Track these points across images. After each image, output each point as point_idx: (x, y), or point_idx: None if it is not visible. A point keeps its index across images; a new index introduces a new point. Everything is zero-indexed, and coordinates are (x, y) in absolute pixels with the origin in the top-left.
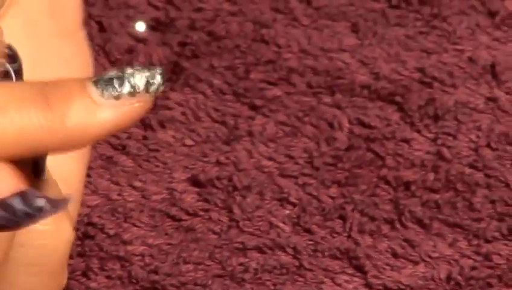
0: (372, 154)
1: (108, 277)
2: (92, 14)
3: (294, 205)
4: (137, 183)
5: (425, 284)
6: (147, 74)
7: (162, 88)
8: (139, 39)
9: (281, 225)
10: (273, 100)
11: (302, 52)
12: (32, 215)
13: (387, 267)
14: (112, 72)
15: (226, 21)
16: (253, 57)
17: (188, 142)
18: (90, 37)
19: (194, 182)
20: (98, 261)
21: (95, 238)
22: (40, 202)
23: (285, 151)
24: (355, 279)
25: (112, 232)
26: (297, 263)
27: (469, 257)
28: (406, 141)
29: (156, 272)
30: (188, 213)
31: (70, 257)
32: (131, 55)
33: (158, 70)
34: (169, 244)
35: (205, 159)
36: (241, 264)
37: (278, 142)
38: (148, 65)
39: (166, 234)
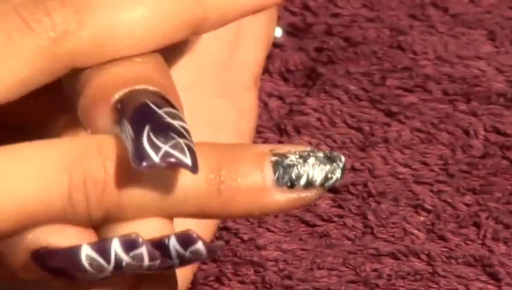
0: (508, 162)
1: (241, 282)
2: None
3: (428, 211)
4: None
5: None
6: (328, 167)
7: (339, 182)
8: (275, 44)
9: (415, 231)
10: (409, 107)
11: (439, 59)
12: (186, 258)
13: None
14: (293, 156)
15: (362, 27)
16: (389, 64)
17: (324, 148)
18: None
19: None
20: (231, 266)
21: (229, 243)
22: (198, 246)
23: (420, 158)
24: (489, 286)
25: (246, 237)
26: (431, 270)
27: None
28: None
29: (289, 277)
30: (322, 219)
31: (204, 262)
32: (267, 60)
33: (340, 163)
34: (303, 249)
35: None
36: (374, 270)
37: (413, 148)
38: (330, 153)
39: (301, 239)
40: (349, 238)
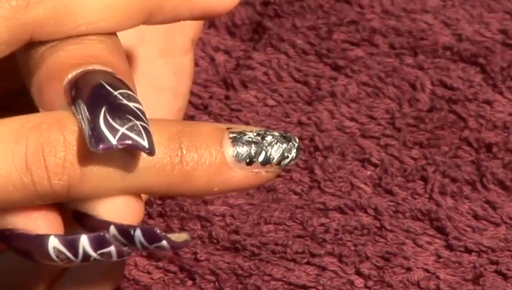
0: (454, 116)
1: None
2: None
3: (375, 165)
4: None
5: (507, 246)
6: (285, 146)
7: (293, 162)
8: None
9: (363, 185)
10: (355, 61)
11: (385, 13)
12: (150, 250)
13: (468, 229)
14: (251, 133)
15: None
16: (336, 17)
17: (270, 102)
18: None
19: None
20: (178, 221)
21: (176, 198)
22: (163, 243)
23: (367, 112)
24: (437, 240)
25: None
26: (378, 224)
27: None
28: (488, 102)
29: (236, 232)
30: None
31: (151, 217)
32: None
33: (295, 143)
34: (250, 204)
35: (287, 120)
36: (322, 224)
37: (360, 102)
38: (285, 133)
39: (248, 194)
40: (296, 193)
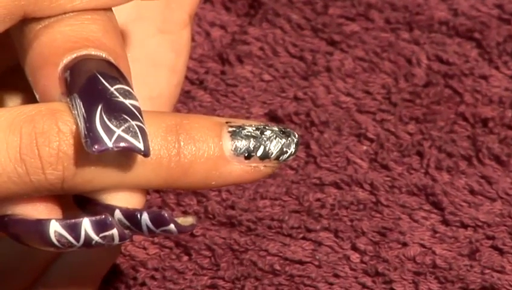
0: (450, 91)
1: (184, 212)
2: None
3: (371, 141)
4: None
5: (502, 221)
6: (284, 141)
7: (292, 157)
8: None
9: (358, 160)
10: (351, 36)
11: None
12: (155, 234)
13: (464, 204)
14: (250, 128)
15: None
16: None
17: (266, 77)
18: None
19: (272, 117)
20: (174, 197)
21: None
22: (170, 227)
23: (363, 87)
24: (432, 215)
25: None
26: (374, 199)
27: None
28: (484, 77)
29: (232, 207)
30: None
31: (147, 192)
32: None
33: (294, 138)
34: None
35: (283, 95)
36: (318, 199)
37: (356, 77)
38: (285, 128)
39: None
40: (292, 168)
